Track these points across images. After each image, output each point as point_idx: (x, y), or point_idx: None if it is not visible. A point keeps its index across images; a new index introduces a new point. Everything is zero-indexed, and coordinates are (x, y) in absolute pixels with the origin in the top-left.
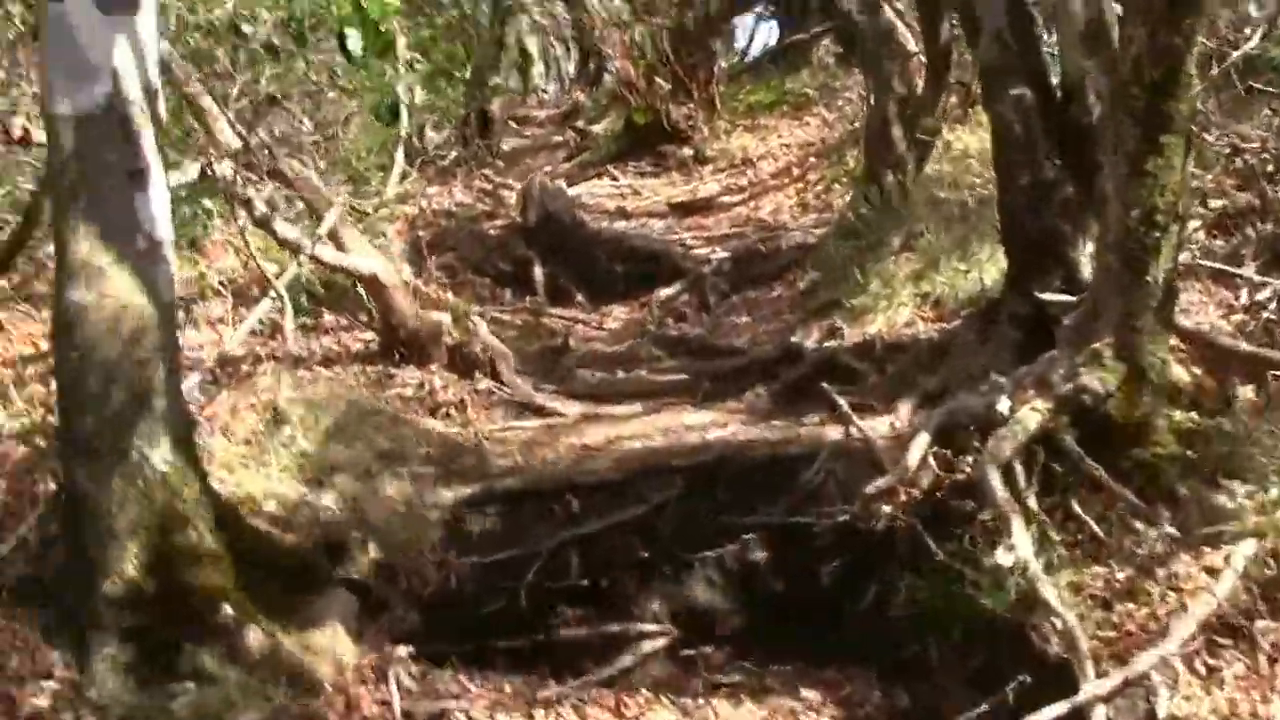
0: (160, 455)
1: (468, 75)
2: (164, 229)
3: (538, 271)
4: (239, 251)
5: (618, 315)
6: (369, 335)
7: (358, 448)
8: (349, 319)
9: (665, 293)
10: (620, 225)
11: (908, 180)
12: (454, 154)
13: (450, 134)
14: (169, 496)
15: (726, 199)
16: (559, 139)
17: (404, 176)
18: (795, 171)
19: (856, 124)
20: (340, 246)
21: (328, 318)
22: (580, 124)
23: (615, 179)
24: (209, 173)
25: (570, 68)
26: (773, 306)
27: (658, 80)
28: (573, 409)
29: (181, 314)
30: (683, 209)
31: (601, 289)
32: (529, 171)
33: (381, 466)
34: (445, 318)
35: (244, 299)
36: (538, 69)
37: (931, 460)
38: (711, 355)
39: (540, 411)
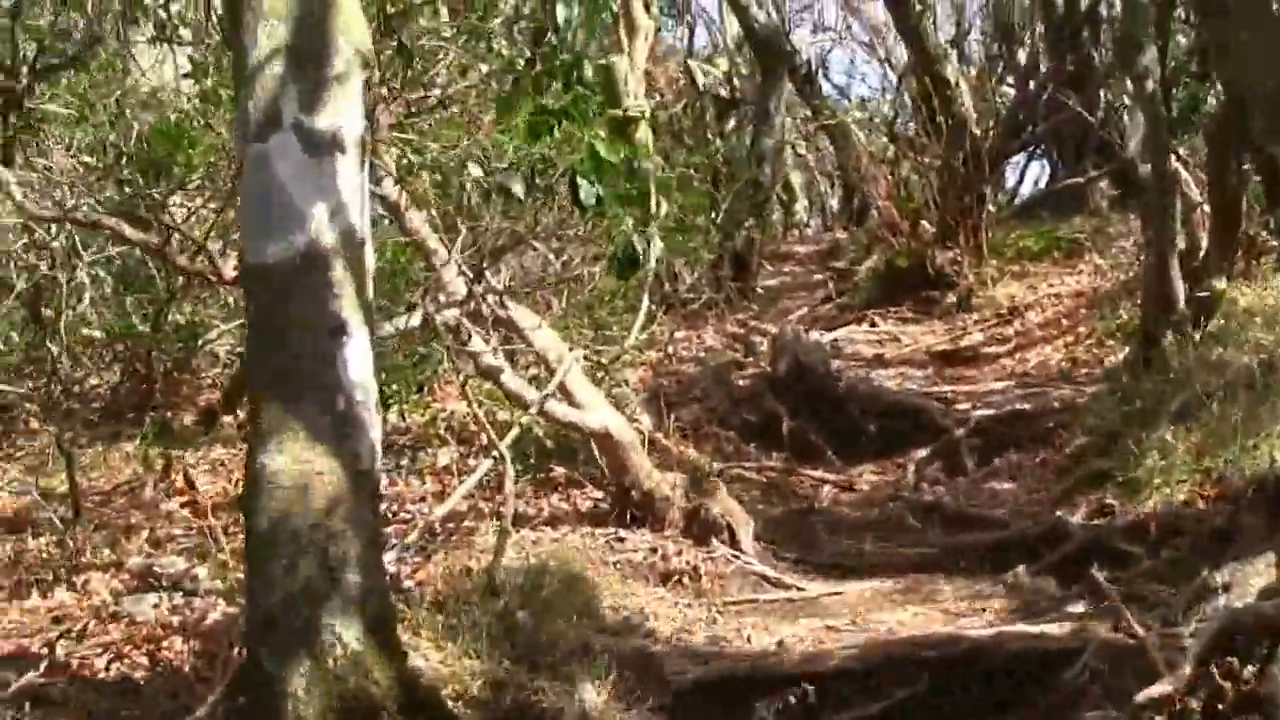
0: (353, 635)
1: (721, 215)
2: (365, 390)
3: (786, 426)
4: (468, 400)
5: (869, 476)
6: (600, 494)
7: (579, 621)
8: (579, 476)
9: (920, 454)
10: (876, 377)
11: (1188, 341)
12: (705, 296)
13: (702, 275)
14: (360, 680)
15: (991, 350)
16: (818, 277)
17: (650, 321)
18: (1065, 323)
19: (1132, 273)
20: (572, 399)
21: (558, 473)
22: (840, 264)
23: (874, 324)
24: (430, 323)
25: (834, 203)
26: (1036, 473)
27: (923, 223)
28: (814, 585)
29: (406, 461)
30: (944, 359)
31: (853, 446)
32: (785, 313)
33: (605, 643)
34: (682, 480)
35: (473, 446)
36: (801, 204)
37: (1213, 667)
38: (968, 526)
39: (780, 585)
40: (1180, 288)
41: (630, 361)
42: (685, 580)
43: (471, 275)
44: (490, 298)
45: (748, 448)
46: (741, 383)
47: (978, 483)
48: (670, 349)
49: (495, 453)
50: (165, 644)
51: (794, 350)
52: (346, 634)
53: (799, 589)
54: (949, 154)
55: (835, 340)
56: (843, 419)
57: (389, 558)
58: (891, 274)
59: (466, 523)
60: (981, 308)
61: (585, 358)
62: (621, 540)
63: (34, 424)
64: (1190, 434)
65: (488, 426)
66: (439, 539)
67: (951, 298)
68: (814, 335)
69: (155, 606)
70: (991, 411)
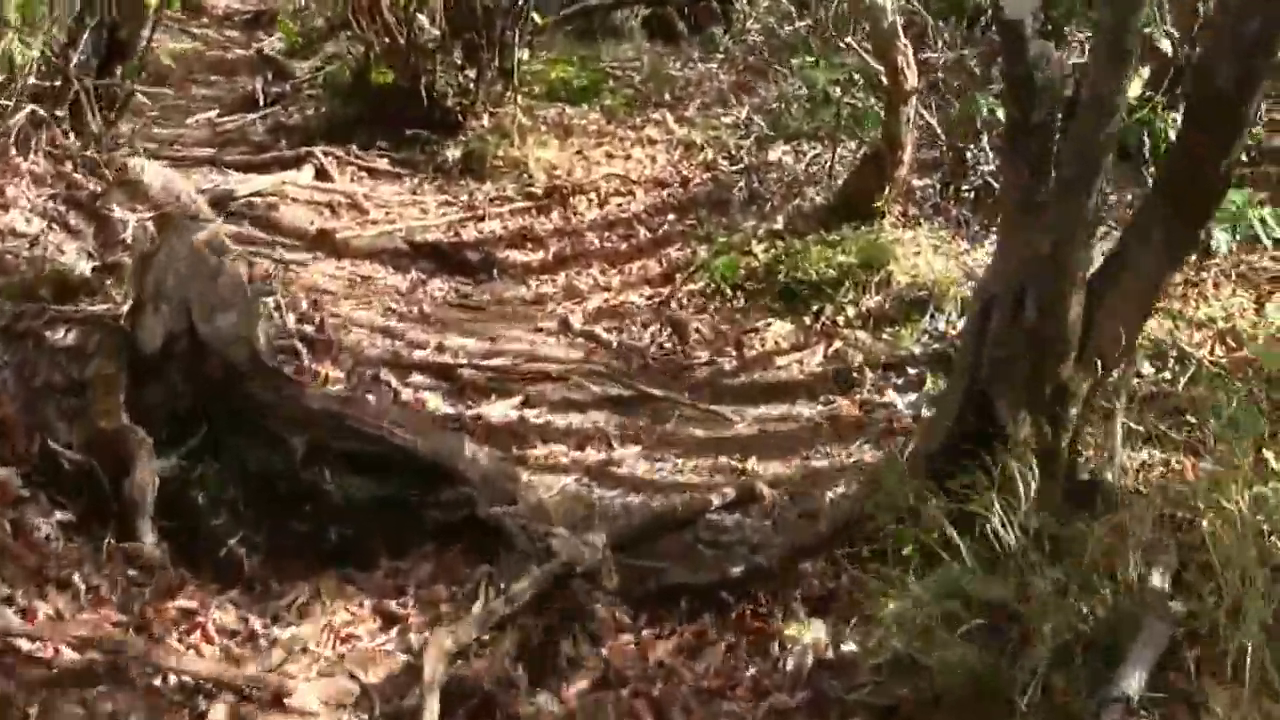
0: None
1: None
2: None
3: (141, 476)
4: None
5: (330, 635)
6: None
7: None
8: None
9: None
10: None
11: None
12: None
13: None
14: None
15: (517, 256)
16: (240, 53)
17: None
18: (642, 233)
19: (741, 154)
20: None
21: None
22: (275, 52)
23: (323, 173)
24: None
25: None
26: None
27: (421, 17)
28: None
29: None
30: (437, 257)
31: (295, 536)
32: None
33: None
34: None
35: None
36: None
37: None
38: None
39: None
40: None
41: None
42: None
43: None
44: None
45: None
46: (61, 338)
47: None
48: None
49: None
50: None
51: (188, 295)
52: None
53: None
54: None
55: (255, 197)
56: (277, 459)
57: None
58: (361, 91)
59: None
60: (500, 174)
61: None
62: None
63: None
64: None
65: None
66: None
67: (453, 150)
68: (237, 269)
69: None
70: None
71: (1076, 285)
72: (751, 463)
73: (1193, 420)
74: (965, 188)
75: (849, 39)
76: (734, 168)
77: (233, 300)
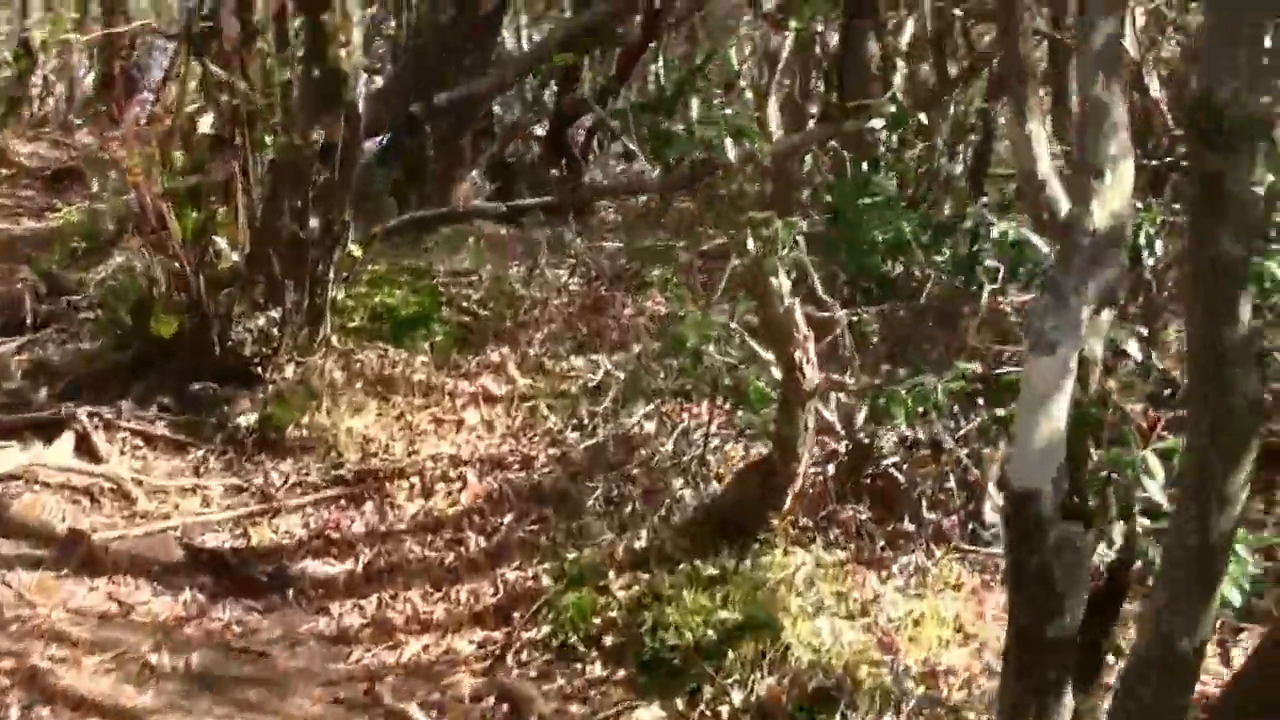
0: None
1: None
2: None
3: None
4: None
5: None
6: None
7: None
8: None
9: None
10: None
11: None
12: None
13: None
14: None
15: (319, 567)
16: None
17: None
18: (473, 542)
19: (594, 422)
20: None
21: None
22: (50, 263)
23: (87, 441)
24: None
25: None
26: None
27: (220, 240)
28: None
29: None
30: (218, 570)
31: None
32: None
33: None
34: None
35: None
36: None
37: None
38: None
39: None
40: None
41: None
42: None
43: None
44: None
45: None
46: None
47: None
48: None
49: None
50: None
51: None
52: None
53: None
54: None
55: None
56: None
57: None
58: (142, 329)
59: None
60: (303, 450)
61: None
62: None
63: None
64: None
65: None
66: None
67: (249, 415)
68: None
69: None
70: None
71: None
72: None
73: None
74: (866, 478)
75: (732, 323)
76: (586, 441)
77: None
